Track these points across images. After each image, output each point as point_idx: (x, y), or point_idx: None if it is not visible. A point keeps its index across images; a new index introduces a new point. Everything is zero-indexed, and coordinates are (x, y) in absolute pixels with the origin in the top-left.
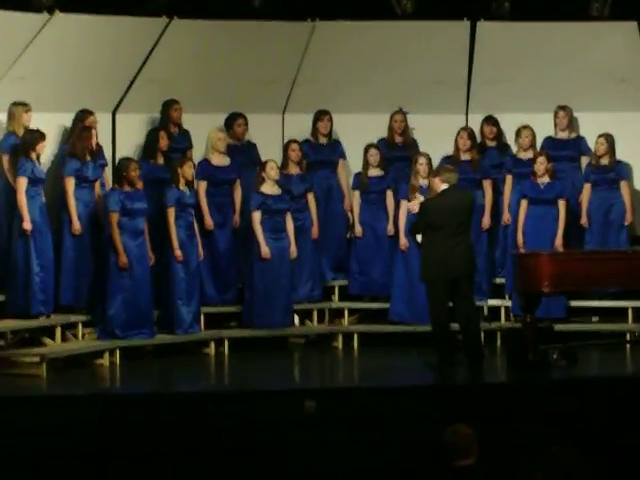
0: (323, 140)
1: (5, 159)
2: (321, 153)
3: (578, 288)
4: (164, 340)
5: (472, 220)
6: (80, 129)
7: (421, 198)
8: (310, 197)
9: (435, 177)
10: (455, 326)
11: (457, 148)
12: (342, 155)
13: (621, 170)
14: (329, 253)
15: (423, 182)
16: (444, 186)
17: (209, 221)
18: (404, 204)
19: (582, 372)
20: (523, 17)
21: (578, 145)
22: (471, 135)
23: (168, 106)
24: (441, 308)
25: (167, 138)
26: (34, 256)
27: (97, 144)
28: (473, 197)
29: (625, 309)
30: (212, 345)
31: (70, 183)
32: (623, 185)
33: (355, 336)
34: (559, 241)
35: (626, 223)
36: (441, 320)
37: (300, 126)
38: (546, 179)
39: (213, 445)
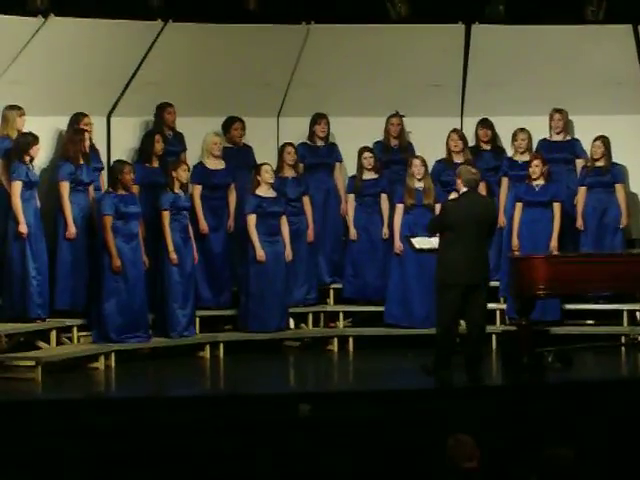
0: (320, 143)
1: None
2: (318, 156)
3: (573, 291)
4: (159, 343)
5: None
6: (73, 132)
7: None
8: (306, 200)
9: (457, 178)
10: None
11: (449, 151)
12: (339, 158)
13: (616, 173)
14: (325, 256)
15: (418, 185)
16: (465, 188)
17: (203, 225)
18: (400, 207)
19: (577, 375)
20: (518, 20)
21: (573, 148)
22: (461, 136)
23: (162, 109)
24: (451, 312)
25: (162, 142)
26: (30, 259)
27: (92, 147)
28: (495, 205)
29: (620, 312)
30: (207, 348)
31: (65, 187)
32: (618, 188)
33: (350, 339)
34: (554, 244)
35: (621, 226)
36: (448, 327)
37: (295, 129)
38: (541, 182)
39: (208, 449)
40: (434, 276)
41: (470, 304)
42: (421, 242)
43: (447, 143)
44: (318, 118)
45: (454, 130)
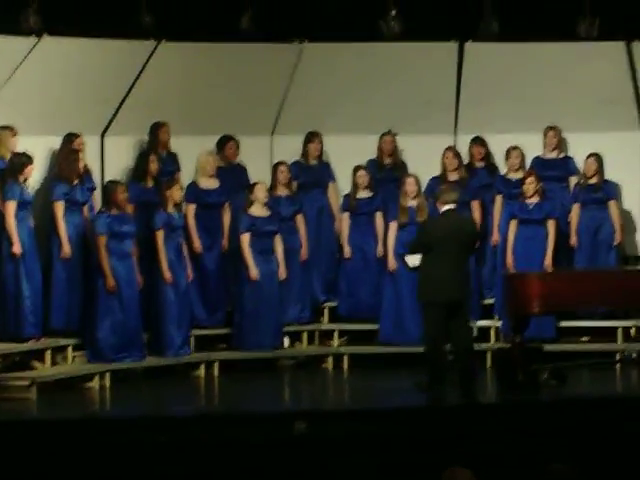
0: (313, 162)
1: None
2: (312, 174)
3: (567, 308)
4: (154, 363)
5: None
6: (67, 152)
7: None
8: (299, 219)
9: (436, 201)
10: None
11: (444, 169)
12: (332, 177)
13: (610, 190)
14: (319, 274)
15: (411, 203)
16: (446, 207)
17: (197, 244)
18: (393, 225)
19: (572, 392)
20: (511, 38)
21: (566, 165)
22: (456, 154)
23: (156, 128)
24: (436, 330)
25: (157, 161)
26: (24, 279)
27: (85, 167)
28: (475, 222)
29: (614, 329)
30: (202, 367)
31: (59, 207)
32: (612, 205)
33: (345, 357)
34: (548, 261)
35: (615, 243)
36: (435, 342)
37: (289, 148)
38: (535, 199)
39: (204, 468)
40: (416, 295)
41: (454, 322)
42: (414, 260)
43: (442, 161)
44: (312, 136)
45: (449, 148)
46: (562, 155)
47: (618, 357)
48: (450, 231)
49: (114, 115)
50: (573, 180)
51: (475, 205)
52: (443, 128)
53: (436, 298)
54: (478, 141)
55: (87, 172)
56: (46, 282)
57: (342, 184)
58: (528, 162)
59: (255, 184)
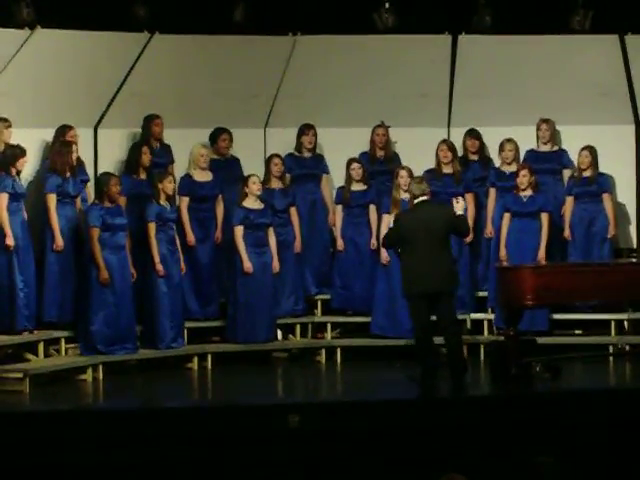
0: (307, 154)
1: None
2: (305, 167)
3: (561, 301)
4: (147, 355)
5: (451, 234)
6: (60, 144)
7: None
8: (293, 211)
9: (410, 195)
10: (439, 339)
11: (438, 162)
12: (325, 170)
13: (604, 183)
14: (313, 267)
15: (404, 196)
16: (419, 199)
17: (190, 237)
18: (386, 218)
19: (565, 385)
20: (504, 31)
21: (560, 158)
22: (451, 147)
23: (150, 121)
24: (423, 323)
25: (150, 153)
26: (17, 272)
27: (78, 159)
28: (451, 211)
29: (608, 322)
30: (195, 360)
31: (52, 200)
32: (606, 198)
33: (338, 350)
34: (542, 254)
35: (609, 236)
36: (423, 334)
37: (282, 140)
38: (529, 192)
39: (196, 460)
40: (401, 290)
41: (439, 313)
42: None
43: (436, 154)
44: (305, 129)
45: (444, 141)
46: (556, 148)
47: (611, 350)
48: (421, 222)
49: (107, 107)
50: (567, 173)
51: (469, 198)
52: (437, 121)
53: (413, 290)
54: (472, 134)
55: (80, 164)
56: (39, 274)
57: (336, 177)
58: (522, 155)
59: (249, 177)
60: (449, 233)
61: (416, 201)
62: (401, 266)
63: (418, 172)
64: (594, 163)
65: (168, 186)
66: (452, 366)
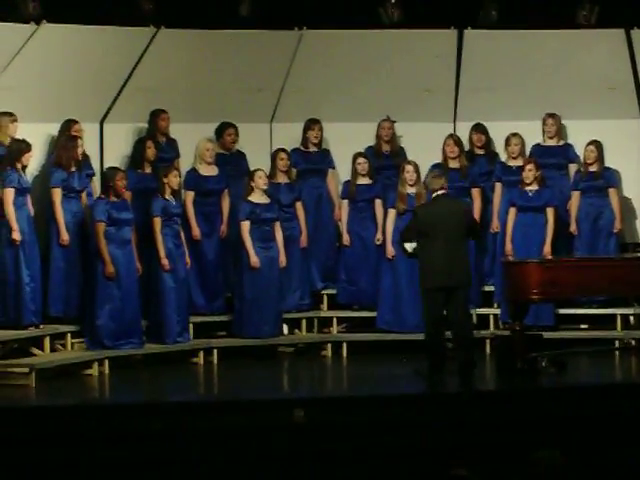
0: (313, 149)
1: None
2: (311, 161)
3: (567, 296)
4: (153, 350)
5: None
6: (65, 139)
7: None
8: (299, 206)
9: (426, 190)
10: (446, 333)
11: (445, 156)
12: (331, 164)
13: (610, 177)
14: (319, 262)
15: (410, 190)
16: (437, 193)
17: (196, 231)
18: (392, 212)
19: (571, 379)
20: (510, 25)
21: (566, 152)
22: (458, 142)
23: (156, 116)
24: (435, 317)
25: (154, 148)
26: (24, 266)
27: (84, 154)
28: (468, 206)
29: (614, 316)
30: (201, 354)
31: (57, 194)
32: (612, 192)
33: (344, 345)
34: (548, 249)
35: (615, 230)
36: (434, 329)
37: (288, 135)
38: (535, 187)
39: (203, 454)
40: (419, 283)
41: (452, 308)
42: (413, 247)
43: (443, 148)
44: (311, 124)
45: (450, 135)
46: (562, 142)
47: (617, 344)
48: (440, 216)
49: (113, 102)
50: (573, 167)
51: (475, 192)
52: (442, 115)
53: (429, 284)
54: (478, 128)
55: (85, 159)
56: (45, 269)
57: (342, 171)
58: (528, 149)
59: (255, 171)
60: (466, 228)
61: (434, 195)
62: (420, 260)
63: (424, 167)
64: (600, 158)
65: (173, 180)
66: (460, 361)
